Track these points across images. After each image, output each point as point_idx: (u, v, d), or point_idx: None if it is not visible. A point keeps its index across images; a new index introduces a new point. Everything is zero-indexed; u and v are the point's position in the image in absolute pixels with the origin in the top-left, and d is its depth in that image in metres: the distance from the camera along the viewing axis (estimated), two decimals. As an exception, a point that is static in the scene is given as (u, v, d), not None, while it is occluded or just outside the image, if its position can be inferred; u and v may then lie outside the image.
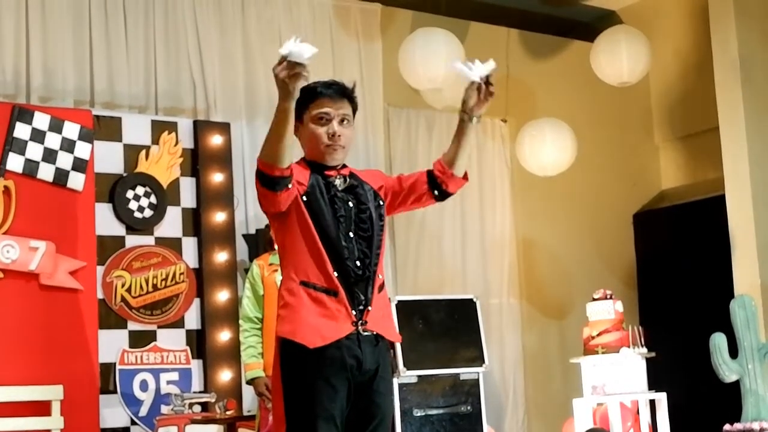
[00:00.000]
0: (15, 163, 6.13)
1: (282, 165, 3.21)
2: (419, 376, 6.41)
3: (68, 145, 6.30)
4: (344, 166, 3.52)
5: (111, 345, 6.37)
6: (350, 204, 3.44)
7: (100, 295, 6.38)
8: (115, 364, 6.40)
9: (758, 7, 7.66)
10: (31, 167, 6.18)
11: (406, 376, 6.33)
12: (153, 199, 6.66)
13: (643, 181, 9.17)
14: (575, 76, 8.58)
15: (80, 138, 6.34)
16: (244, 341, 5.53)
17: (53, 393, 5.97)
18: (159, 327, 6.58)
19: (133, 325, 6.50)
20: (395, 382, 6.20)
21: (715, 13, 7.67)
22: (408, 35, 7.52)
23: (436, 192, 3.56)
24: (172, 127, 6.81)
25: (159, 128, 6.76)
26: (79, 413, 6.02)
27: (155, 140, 6.73)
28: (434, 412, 6.45)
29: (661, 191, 9.23)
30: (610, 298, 6.83)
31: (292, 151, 3.24)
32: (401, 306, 6.44)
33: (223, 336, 6.69)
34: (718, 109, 7.67)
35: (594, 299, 6.85)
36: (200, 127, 6.91)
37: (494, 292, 8.25)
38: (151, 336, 6.55)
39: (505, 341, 8.24)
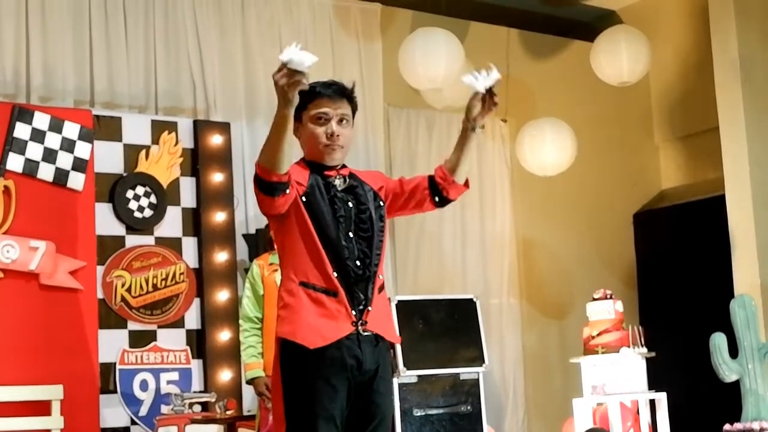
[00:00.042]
0: (15, 162, 6.14)
1: (280, 171, 3.21)
2: (419, 376, 6.40)
3: (68, 145, 6.30)
4: (344, 166, 3.52)
5: (111, 345, 6.38)
6: (350, 204, 3.44)
7: (100, 295, 6.38)
8: (115, 363, 6.41)
9: (758, 7, 7.66)
10: (31, 167, 6.19)
11: (406, 375, 6.33)
12: (153, 199, 6.66)
13: (643, 181, 9.17)
14: (575, 76, 8.58)
15: (80, 138, 6.34)
16: (244, 341, 5.53)
17: (53, 393, 5.97)
18: (159, 327, 6.58)
19: (133, 325, 6.50)
20: (395, 382, 6.20)
21: (715, 13, 7.67)
22: (408, 35, 7.52)
23: (436, 198, 3.57)
24: (172, 127, 6.81)
25: (159, 128, 6.76)
26: (79, 413, 6.02)
27: (155, 140, 6.74)
28: (434, 412, 6.45)
29: (661, 191, 9.23)
30: (610, 298, 6.83)
31: (291, 156, 3.24)
32: (401, 306, 6.43)
33: (223, 336, 6.70)
34: (718, 109, 7.67)
35: (594, 299, 6.85)
36: (200, 127, 6.92)
37: (494, 292, 8.25)
38: (151, 336, 6.56)
39: (505, 341, 8.24)
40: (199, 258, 6.77)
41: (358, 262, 3.37)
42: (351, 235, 3.40)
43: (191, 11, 7.14)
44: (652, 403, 6.69)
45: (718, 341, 6.37)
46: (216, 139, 6.93)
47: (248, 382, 5.56)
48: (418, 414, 6.38)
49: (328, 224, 3.36)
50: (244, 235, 6.98)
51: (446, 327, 6.61)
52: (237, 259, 6.89)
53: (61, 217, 6.22)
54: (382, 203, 3.53)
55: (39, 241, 6.09)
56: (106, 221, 6.48)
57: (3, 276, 6.01)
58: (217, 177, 6.89)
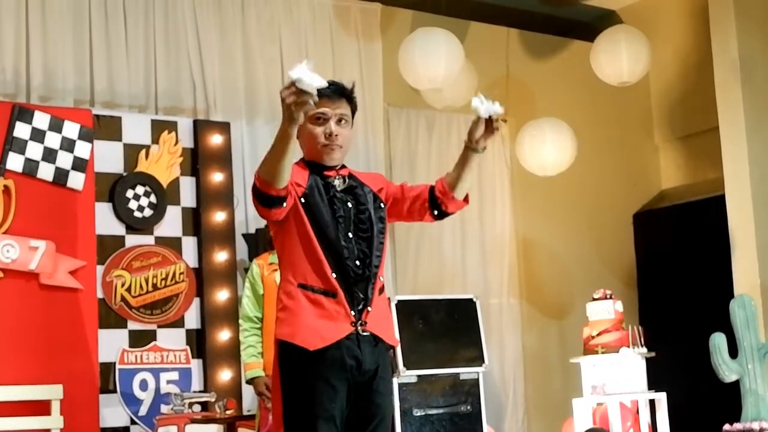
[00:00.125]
0: (15, 162, 6.14)
1: (279, 185, 3.21)
2: (419, 376, 6.40)
3: (68, 145, 6.30)
4: (343, 166, 3.52)
5: (111, 344, 6.38)
6: (349, 204, 3.44)
7: (100, 294, 6.38)
8: (114, 363, 6.41)
9: (758, 7, 7.66)
10: (31, 167, 6.19)
11: (406, 375, 6.32)
12: (153, 198, 6.66)
13: (643, 181, 9.17)
14: (575, 76, 8.58)
15: (80, 137, 6.34)
16: (243, 341, 5.53)
17: (53, 392, 5.97)
18: (159, 326, 6.58)
19: (133, 325, 6.50)
20: (395, 381, 6.20)
21: (715, 13, 7.67)
22: (408, 35, 7.52)
23: (435, 212, 3.58)
24: (172, 126, 6.81)
25: (159, 128, 6.76)
26: (78, 413, 6.02)
27: (155, 140, 6.74)
28: (434, 411, 6.44)
29: (661, 191, 9.23)
30: (610, 298, 6.83)
31: (291, 172, 3.24)
32: (401, 306, 6.43)
33: (223, 335, 6.70)
34: (718, 109, 7.67)
35: (594, 299, 6.85)
36: (200, 127, 6.92)
37: (494, 292, 8.25)
38: (151, 335, 6.56)
39: (505, 341, 8.24)
40: (198, 258, 6.77)
41: (357, 262, 3.37)
42: (350, 235, 3.40)
43: (191, 11, 7.14)
44: (652, 403, 6.69)
45: (718, 341, 6.36)
46: (216, 139, 6.93)
47: (248, 382, 5.56)
48: (418, 414, 6.38)
49: (327, 224, 3.36)
50: (243, 235, 6.98)
51: (446, 327, 6.60)
52: (237, 259, 6.90)
53: (61, 217, 6.22)
54: (382, 205, 3.53)
55: (39, 241, 6.10)
56: (106, 221, 6.48)
57: (3, 276, 6.01)
58: (216, 177, 6.89)
